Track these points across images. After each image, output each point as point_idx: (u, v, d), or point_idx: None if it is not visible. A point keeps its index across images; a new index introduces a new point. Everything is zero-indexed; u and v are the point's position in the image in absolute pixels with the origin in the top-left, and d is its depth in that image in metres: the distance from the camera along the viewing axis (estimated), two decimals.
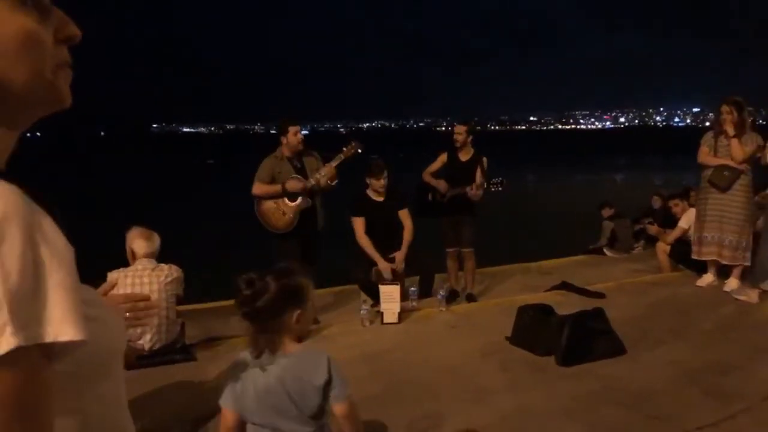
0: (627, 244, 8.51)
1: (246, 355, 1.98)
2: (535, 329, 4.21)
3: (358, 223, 5.32)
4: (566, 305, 4.74)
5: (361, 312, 4.78)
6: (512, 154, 42.73)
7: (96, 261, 3.98)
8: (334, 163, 5.08)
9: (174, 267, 4.02)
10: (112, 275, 3.89)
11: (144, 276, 3.88)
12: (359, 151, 5.19)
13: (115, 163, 41.48)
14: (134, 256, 3.95)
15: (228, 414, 1.98)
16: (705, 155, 5.52)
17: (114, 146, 74.75)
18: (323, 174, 5.02)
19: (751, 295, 5.07)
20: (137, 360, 3.88)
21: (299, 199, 5.01)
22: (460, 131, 5.77)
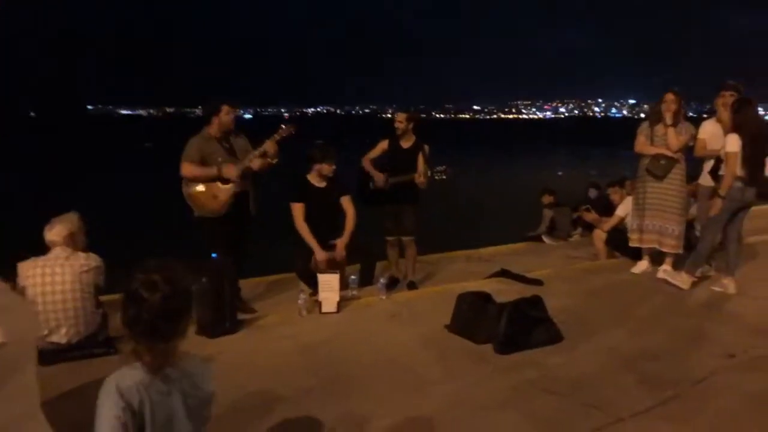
0: (565, 232, 8.65)
1: (133, 373, 1.66)
2: (473, 317, 4.16)
3: (297, 209, 5.15)
4: (505, 293, 4.72)
5: (299, 301, 4.63)
6: (456, 142, 43.16)
7: (15, 252, 3.72)
8: (272, 141, 4.89)
9: (92, 255, 3.76)
10: (22, 265, 3.61)
11: (56, 266, 3.60)
12: (292, 132, 5.02)
13: (45, 145, 39.57)
14: (51, 245, 3.67)
15: None
16: (642, 144, 5.61)
17: (45, 127, 71.21)
18: (259, 153, 4.83)
19: (686, 281, 5.19)
20: (55, 354, 3.62)
21: (232, 182, 4.80)
22: (401, 119, 5.66)
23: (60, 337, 3.61)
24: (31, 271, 3.60)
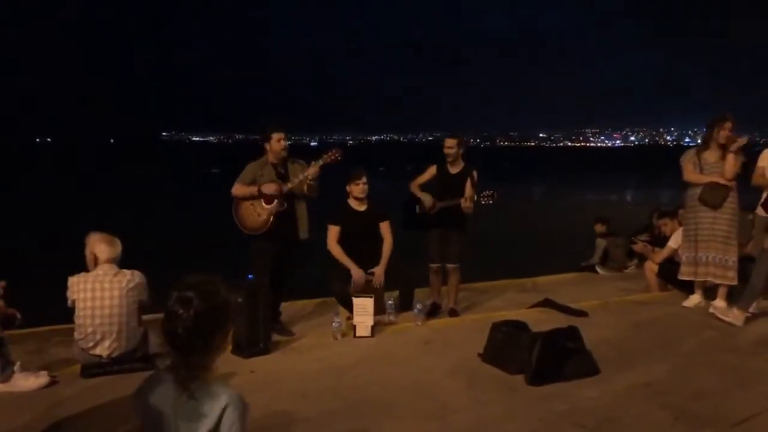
0: (620, 263, 8.38)
1: (163, 390, 1.75)
2: (507, 347, 4.09)
3: (332, 231, 5.27)
4: (546, 322, 4.61)
5: (333, 324, 4.68)
6: (518, 170, 42.65)
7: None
8: (314, 166, 5.01)
9: (137, 273, 3.95)
10: (73, 279, 3.83)
11: (105, 281, 3.80)
12: (339, 158, 5.12)
13: (121, 171, 41.77)
14: (96, 261, 3.88)
15: None
16: (692, 173, 5.43)
17: (122, 155, 75.17)
18: (302, 177, 4.96)
19: (738, 316, 4.93)
20: (97, 367, 3.81)
21: (275, 202, 4.95)
22: (450, 144, 5.68)
23: (103, 350, 3.80)
24: (81, 285, 3.81)
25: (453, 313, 5.76)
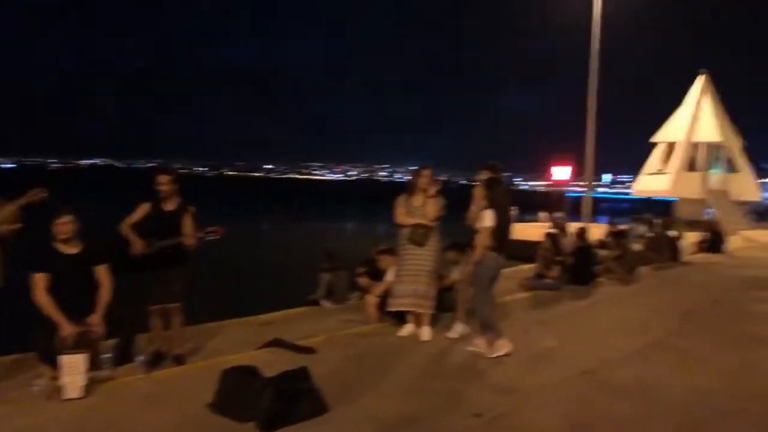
0: (343, 295, 8.85)
1: None
2: (237, 394, 3.99)
3: (39, 280, 4.54)
4: (275, 364, 4.62)
5: (34, 388, 4.04)
6: (241, 201, 42.63)
7: None
8: (13, 206, 4.32)
9: None
10: None
11: None
12: (44, 195, 4.50)
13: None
14: None
15: None
16: (401, 215, 6.15)
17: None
18: None
19: (479, 344, 5.58)
20: None
21: None
22: (163, 181, 5.35)
23: None
24: None
25: (178, 359, 5.42)
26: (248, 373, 4.17)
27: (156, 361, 5.31)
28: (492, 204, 5.52)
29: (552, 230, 10.20)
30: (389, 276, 6.73)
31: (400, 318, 6.26)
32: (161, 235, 5.27)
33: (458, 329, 6.11)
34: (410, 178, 6.32)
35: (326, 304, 8.61)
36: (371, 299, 6.88)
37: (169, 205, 5.41)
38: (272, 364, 4.59)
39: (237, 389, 4.02)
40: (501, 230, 5.52)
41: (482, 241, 5.44)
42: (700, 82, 24.77)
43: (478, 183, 5.81)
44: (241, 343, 6.19)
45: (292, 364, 4.37)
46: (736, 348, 6.03)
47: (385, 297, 6.67)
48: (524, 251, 10.60)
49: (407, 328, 6.14)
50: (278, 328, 6.56)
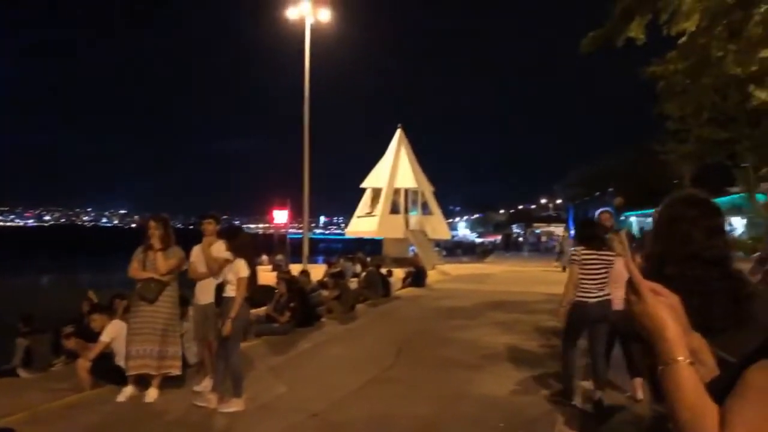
0: (46, 361, 7.73)
1: None
2: None
3: None
4: None
5: None
6: None
7: None
8: None
9: None
10: None
11: None
12: None
13: None
14: None
15: None
16: (135, 270, 5.71)
17: None
18: None
19: (213, 399, 5.28)
20: None
21: None
22: None
23: None
24: None
25: None
26: None
27: None
28: (239, 253, 5.38)
29: (285, 275, 10.40)
30: (105, 336, 6.06)
31: (121, 381, 5.67)
32: None
33: (205, 383, 5.80)
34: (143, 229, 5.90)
35: (24, 373, 7.42)
36: (84, 363, 6.09)
37: None
38: None
39: None
40: (252, 279, 5.44)
41: (241, 292, 5.27)
42: (398, 134, 27.91)
43: (215, 233, 5.76)
44: None
45: None
46: (440, 373, 6.80)
47: (101, 360, 6.00)
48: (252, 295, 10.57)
49: (128, 391, 5.58)
50: None
